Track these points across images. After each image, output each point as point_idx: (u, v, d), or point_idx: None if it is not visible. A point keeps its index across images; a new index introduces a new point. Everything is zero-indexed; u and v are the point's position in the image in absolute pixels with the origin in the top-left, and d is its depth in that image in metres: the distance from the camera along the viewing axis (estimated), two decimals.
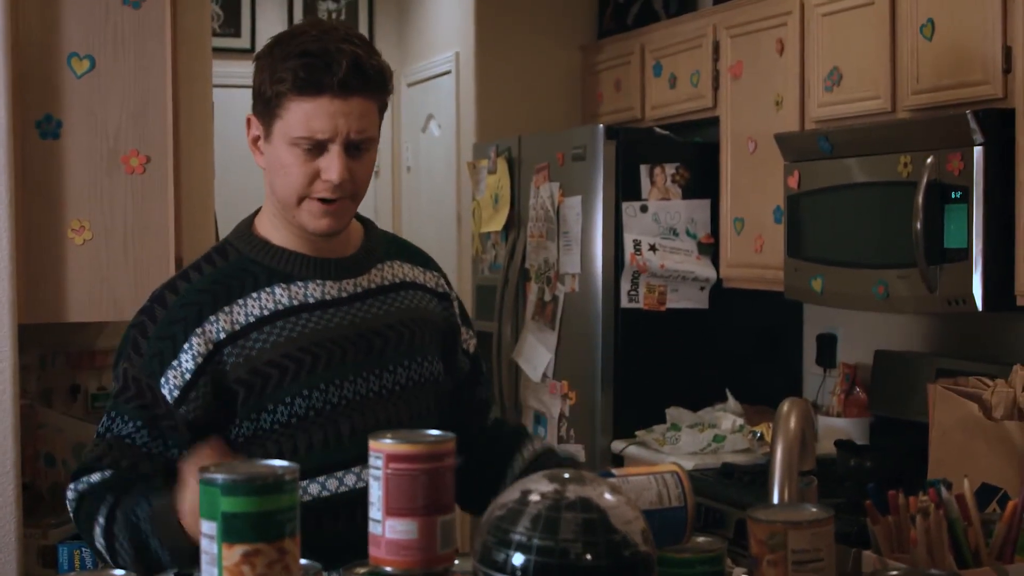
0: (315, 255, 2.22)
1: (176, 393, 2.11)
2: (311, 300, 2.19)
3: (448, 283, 2.44)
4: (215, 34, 6.11)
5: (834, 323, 4.55)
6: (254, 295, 2.17)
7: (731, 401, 4.46)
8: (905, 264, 3.47)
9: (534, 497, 1.48)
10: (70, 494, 2.15)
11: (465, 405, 2.41)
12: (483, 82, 5.59)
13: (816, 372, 4.62)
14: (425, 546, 1.51)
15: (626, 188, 4.53)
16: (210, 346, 2.12)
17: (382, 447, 1.51)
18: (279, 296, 2.17)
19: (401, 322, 2.25)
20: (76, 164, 3.22)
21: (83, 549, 3.10)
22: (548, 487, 1.50)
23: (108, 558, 2.07)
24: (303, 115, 2.09)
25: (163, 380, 2.11)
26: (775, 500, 1.87)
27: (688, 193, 4.58)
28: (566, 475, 1.50)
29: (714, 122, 4.57)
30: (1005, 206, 3.29)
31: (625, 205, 4.51)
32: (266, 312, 2.16)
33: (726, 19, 4.50)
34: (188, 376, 2.11)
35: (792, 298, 4.07)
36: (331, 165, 2.10)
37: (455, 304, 2.42)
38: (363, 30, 6.59)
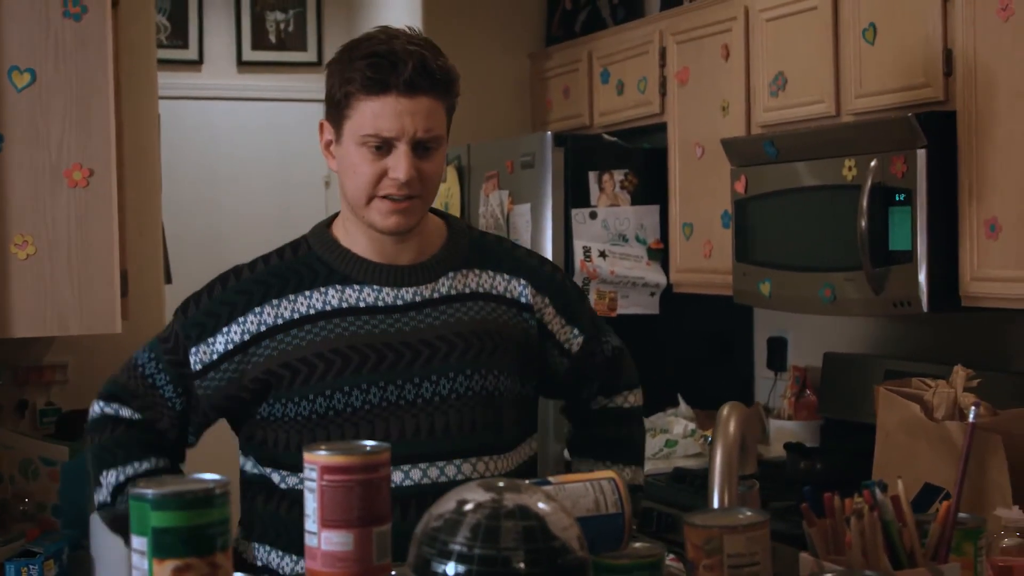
0: (382, 260, 2.26)
1: (199, 367, 2.23)
2: (362, 304, 2.23)
3: (543, 287, 2.38)
4: (162, 46, 6.10)
5: (784, 326, 4.57)
6: (307, 292, 2.24)
7: (683, 406, 4.47)
8: (851, 267, 3.49)
9: (470, 506, 1.47)
10: (96, 408, 2.31)
11: (572, 399, 2.54)
12: None
13: (767, 376, 4.63)
14: (361, 557, 1.51)
15: (575, 195, 4.53)
16: (247, 336, 2.22)
17: (316, 459, 1.51)
18: (331, 297, 2.24)
19: (458, 334, 2.25)
20: (18, 178, 3.19)
21: (31, 567, 3.07)
22: (484, 496, 1.49)
23: (102, 495, 2.26)
24: (371, 114, 2.15)
25: (193, 350, 2.24)
26: (715, 505, 1.87)
27: (637, 199, 4.58)
28: (500, 484, 1.50)
29: (662, 128, 4.58)
30: (948, 208, 3.31)
31: (574, 212, 4.51)
32: (312, 311, 2.22)
33: (672, 25, 4.51)
34: (215, 357, 2.22)
35: (741, 302, 4.08)
36: (398, 163, 2.16)
37: (549, 309, 2.38)
38: (311, 40, 6.57)
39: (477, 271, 2.33)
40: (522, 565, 1.42)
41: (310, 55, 6.58)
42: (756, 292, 3.94)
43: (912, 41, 3.44)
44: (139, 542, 1.36)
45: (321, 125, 2.27)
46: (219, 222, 6.44)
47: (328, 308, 2.23)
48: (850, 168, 3.50)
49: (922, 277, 3.31)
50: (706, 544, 1.52)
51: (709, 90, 4.29)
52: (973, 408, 1.87)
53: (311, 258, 2.29)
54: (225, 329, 2.23)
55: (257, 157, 6.55)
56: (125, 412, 2.28)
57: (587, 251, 4.49)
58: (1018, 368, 3.57)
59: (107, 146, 3.28)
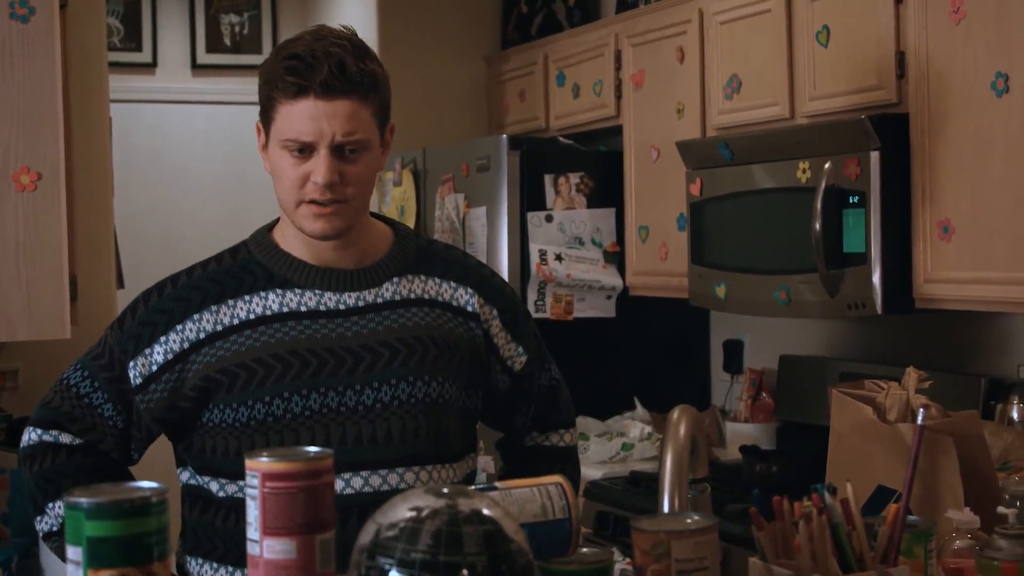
0: (322, 265, 2.22)
1: (139, 381, 2.17)
2: (303, 309, 2.19)
3: (492, 298, 2.33)
4: (116, 49, 6.05)
5: (740, 329, 4.57)
6: (247, 297, 2.19)
7: (639, 409, 4.46)
8: (806, 269, 3.49)
9: (427, 513, 1.45)
10: (32, 436, 2.22)
11: (506, 426, 2.44)
12: None
13: (724, 378, 4.63)
14: (304, 565, 1.48)
15: (531, 198, 4.52)
16: (185, 344, 2.17)
17: (258, 465, 1.48)
18: (271, 301, 2.19)
19: (400, 340, 2.20)
20: None
21: None
22: (437, 502, 1.47)
23: (47, 524, 2.22)
24: (289, 117, 2.12)
25: (132, 364, 2.18)
26: (665, 509, 1.86)
27: (593, 202, 4.58)
28: (445, 490, 1.48)
29: (617, 131, 4.57)
30: (902, 210, 3.32)
31: (530, 215, 4.50)
32: (252, 316, 2.18)
33: (627, 28, 4.51)
34: (154, 368, 2.17)
35: (697, 305, 4.08)
36: (318, 167, 2.11)
37: (494, 323, 2.32)
38: (266, 43, 6.53)
39: (423, 277, 2.28)
40: (489, 569, 1.41)
41: (265, 58, 6.53)
42: (711, 295, 3.94)
43: (865, 43, 3.44)
44: (74, 552, 1.33)
45: (257, 128, 2.23)
46: (174, 226, 6.38)
47: (268, 313, 2.18)
48: (804, 170, 3.50)
49: (876, 279, 3.32)
50: (654, 549, 1.51)
51: (664, 93, 4.29)
52: (921, 410, 1.86)
53: (251, 262, 2.24)
54: (163, 338, 2.18)
55: (212, 160, 6.50)
56: (65, 438, 2.21)
57: (543, 254, 4.48)
58: (972, 369, 3.58)
59: (56, 149, 3.24)
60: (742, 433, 4.22)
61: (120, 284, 4.33)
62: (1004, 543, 1.73)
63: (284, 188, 2.17)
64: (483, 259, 4.54)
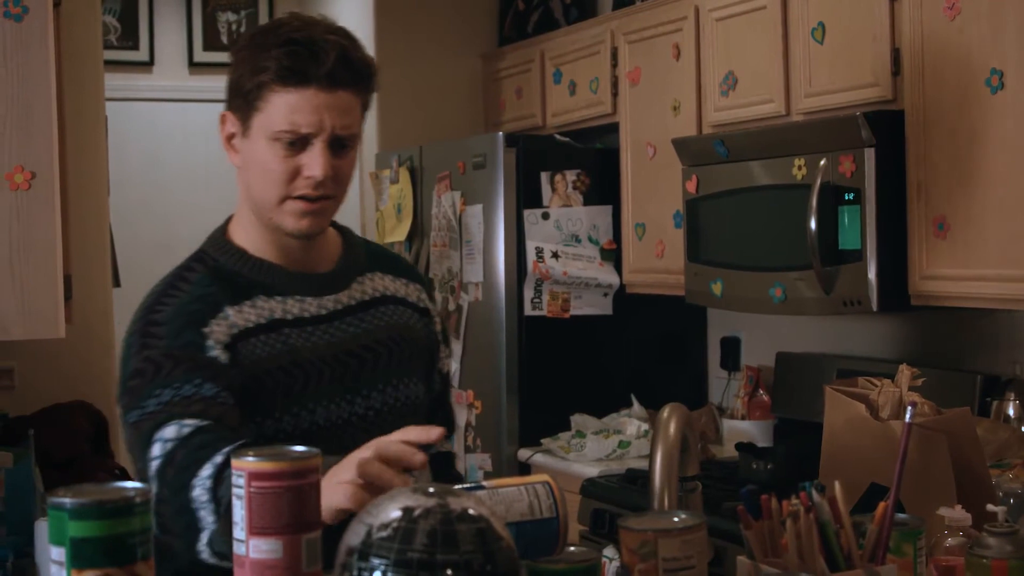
0: (294, 268, 2.10)
1: (223, 356, 1.97)
2: (289, 316, 2.07)
3: (430, 296, 2.31)
4: (113, 47, 6.05)
5: (738, 326, 4.57)
6: (236, 306, 2.04)
7: (636, 406, 4.46)
8: (801, 266, 3.49)
9: (419, 512, 1.45)
10: (155, 464, 1.89)
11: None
12: (384, 91, 5.48)
13: (721, 376, 4.63)
14: (290, 565, 1.48)
15: (527, 196, 4.51)
16: (231, 333, 2.01)
17: (244, 465, 1.47)
18: (261, 307, 2.06)
19: (379, 341, 2.13)
20: None
21: None
22: (428, 501, 1.47)
23: (202, 513, 1.82)
24: (286, 107, 1.98)
25: (206, 343, 1.98)
26: (655, 507, 1.85)
27: (589, 199, 4.57)
28: (431, 489, 1.47)
29: (614, 128, 4.57)
30: (897, 207, 3.32)
31: (527, 213, 4.50)
32: (250, 324, 2.04)
33: (623, 25, 4.50)
34: (224, 342, 1.98)
35: (693, 302, 4.08)
36: (314, 161, 1.99)
37: (437, 321, 2.30)
38: None
39: (381, 274, 2.22)
40: (485, 566, 1.40)
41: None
42: (708, 292, 3.93)
43: (860, 40, 3.44)
44: (57, 552, 1.32)
45: (223, 117, 2.08)
46: (171, 224, 6.38)
47: (263, 321, 2.05)
48: (800, 167, 3.49)
49: (872, 276, 3.31)
50: (640, 548, 1.50)
51: (660, 90, 4.28)
52: (910, 408, 1.85)
53: (223, 272, 2.09)
54: (211, 322, 2.01)
55: (209, 158, 6.49)
56: (187, 426, 1.90)
57: (540, 252, 4.47)
58: (967, 366, 3.58)
59: (49, 148, 3.23)
60: (739, 430, 4.22)
61: (116, 283, 4.33)
62: (993, 541, 1.73)
63: (267, 182, 2.03)
64: (480, 257, 4.54)
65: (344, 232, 2.25)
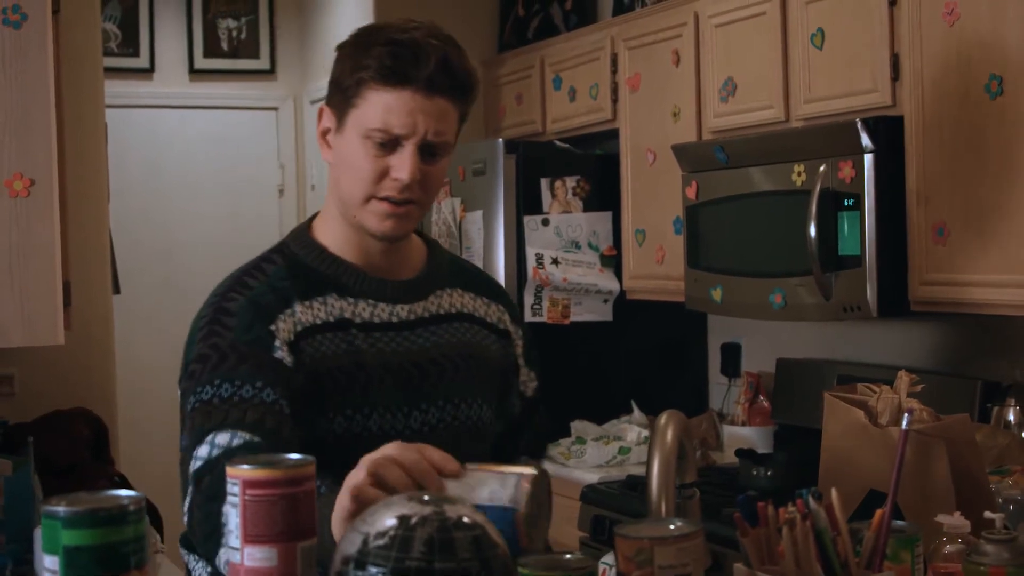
0: (373, 272, 2.09)
1: (288, 358, 1.96)
2: (358, 320, 2.05)
3: (516, 318, 2.27)
4: (113, 54, 6.05)
5: (738, 332, 4.56)
6: (307, 302, 2.03)
7: (636, 413, 4.45)
8: (801, 272, 3.48)
9: (415, 520, 1.45)
10: (197, 464, 1.88)
11: (504, 453, 2.18)
12: None
13: (721, 382, 4.63)
14: (285, 573, 1.48)
15: (527, 202, 4.52)
16: (297, 329, 2.00)
17: (238, 473, 1.47)
18: (332, 306, 2.04)
19: (446, 356, 2.09)
20: None
21: None
22: (424, 509, 1.47)
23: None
24: (382, 106, 1.97)
25: (273, 341, 1.97)
26: (652, 515, 1.85)
27: (589, 206, 4.57)
28: (426, 496, 1.47)
29: (614, 134, 4.57)
30: (897, 212, 3.31)
31: (527, 219, 4.50)
32: (318, 321, 2.02)
33: (623, 31, 4.50)
34: (291, 340, 1.98)
35: (692, 309, 4.07)
36: (403, 163, 1.98)
37: (520, 343, 2.25)
38: (264, 48, 6.53)
39: (461, 291, 2.18)
40: (481, 575, 1.41)
41: (263, 63, 6.54)
42: (707, 298, 3.93)
43: (860, 46, 3.44)
44: (51, 561, 1.32)
45: (321, 111, 2.08)
46: (171, 231, 6.39)
47: (332, 319, 2.04)
48: (799, 173, 3.49)
49: (871, 282, 3.31)
50: (636, 555, 1.50)
51: (660, 96, 4.28)
52: (907, 415, 1.85)
53: (299, 266, 2.08)
54: (280, 317, 2.00)
55: (209, 166, 6.51)
56: (237, 439, 1.88)
57: (539, 258, 4.47)
58: (967, 372, 3.57)
59: (49, 155, 3.24)
60: (739, 436, 4.22)
61: (116, 289, 4.33)
62: (991, 548, 1.72)
63: (355, 180, 2.02)
64: (480, 263, 4.54)
65: (430, 244, 2.22)
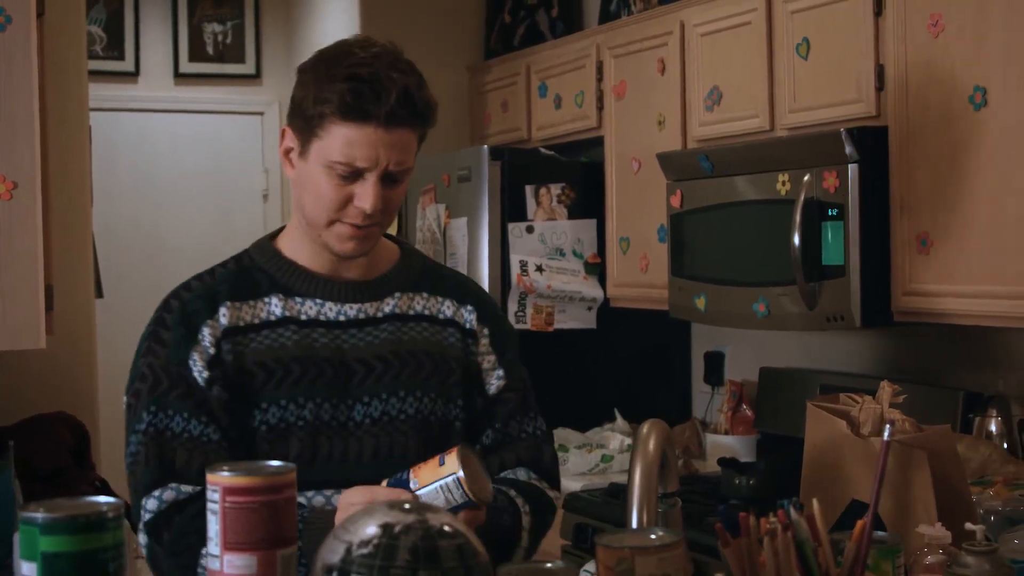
0: (330, 275, 2.17)
1: (205, 373, 2.08)
2: (303, 317, 2.14)
3: (488, 318, 2.30)
4: (98, 57, 6.03)
5: (721, 341, 4.56)
6: (251, 301, 2.14)
7: (619, 421, 4.45)
8: (785, 281, 3.48)
9: (399, 529, 1.45)
10: (148, 504, 2.03)
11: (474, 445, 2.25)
12: None
13: (705, 390, 4.63)
14: None
15: (512, 209, 4.51)
16: (219, 334, 2.10)
17: (218, 480, 1.47)
18: (273, 307, 2.14)
19: (396, 353, 2.16)
20: None
21: None
22: (407, 517, 1.47)
23: None
24: (344, 141, 2.03)
25: (191, 362, 2.09)
26: (633, 524, 1.85)
27: (574, 213, 4.57)
28: (407, 505, 1.47)
29: (599, 142, 4.57)
30: (880, 222, 3.32)
31: (511, 226, 4.49)
32: (256, 320, 2.12)
33: (609, 39, 4.50)
34: (211, 352, 2.09)
35: (676, 317, 4.07)
36: (366, 193, 2.05)
37: (483, 342, 2.28)
38: (249, 53, 6.52)
39: (425, 295, 2.25)
40: None
41: (248, 67, 6.52)
42: (691, 307, 3.93)
43: (845, 56, 3.44)
44: (28, 568, 1.32)
45: (283, 132, 2.15)
46: (156, 235, 6.37)
47: (272, 318, 2.13)
48: (784, 183, 3.49)
49: (855, 292, 3.31)
50: (617, 565, 1.50)
51: (645, 104, 4.28)
52: (888, 426, 1.85)
53: (253, 269, 2.19)
54: (205, 330, 2.11)
55: (194, 170, 6.49)
56: (185, 489, 2.03)
57: (524, 265, 4.47)
58: (950, 383, 3.58)
59: (32, 158, 3.22)
60: (722, 445, 4.22)
61: (99, 293, 4.31)
62: (971, 560, 1.73)
63: (319, 206, 2.10)
64: (464, 270, 4.53)
65: (405, 250, 2.30)
